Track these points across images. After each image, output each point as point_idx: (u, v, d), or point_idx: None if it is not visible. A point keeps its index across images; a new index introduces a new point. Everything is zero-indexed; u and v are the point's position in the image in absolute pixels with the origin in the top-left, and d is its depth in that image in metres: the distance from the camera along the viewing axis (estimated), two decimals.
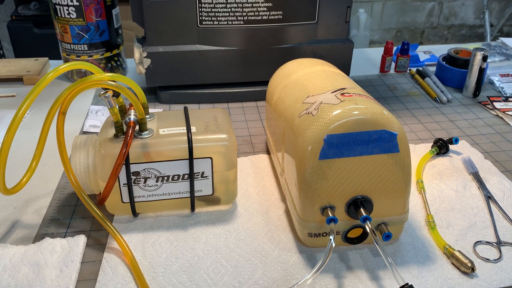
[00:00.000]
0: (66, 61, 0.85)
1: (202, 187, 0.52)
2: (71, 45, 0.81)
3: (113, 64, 0.85)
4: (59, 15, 0.79)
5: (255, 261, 0.47)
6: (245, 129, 0.73)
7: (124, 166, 0.49)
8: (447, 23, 3.03)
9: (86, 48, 0.81)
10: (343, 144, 0.44)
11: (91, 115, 0.75)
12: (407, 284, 0.40)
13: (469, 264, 0.45)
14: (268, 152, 0.67)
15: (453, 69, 0.85)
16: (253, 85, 0.81)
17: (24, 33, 1.96)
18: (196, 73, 0.78)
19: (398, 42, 3.04)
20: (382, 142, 0.44)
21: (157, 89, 0.80)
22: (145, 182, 0.50)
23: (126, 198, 0.51)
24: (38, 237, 0.50)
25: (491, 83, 0.86)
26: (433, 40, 3.09)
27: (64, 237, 0.49)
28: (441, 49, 1.03)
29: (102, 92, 0.48)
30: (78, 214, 0.53)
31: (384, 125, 0.44)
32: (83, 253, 0.47)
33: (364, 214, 0.44)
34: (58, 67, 0.47)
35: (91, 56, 0.82)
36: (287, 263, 0.47)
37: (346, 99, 0.46)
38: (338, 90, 0.49)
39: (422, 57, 0.97)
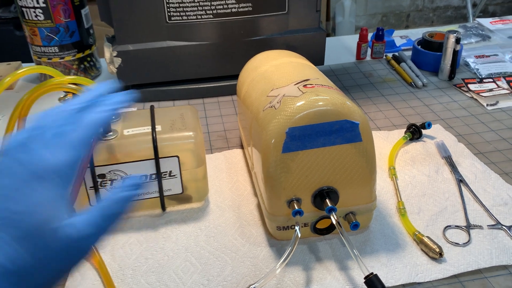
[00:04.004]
0: (37, 64, 0.84)
1: (171, 186, 0.51)
2: (41, 47, 0.80)
3: (86, 65, 0.84)
4: (27, 17, 0.78)
5: (224, 258, 0.47)
6: (220, 124, 0.73)
7: (89, 169, 0.48)
8: (432, 5, 3.02)
9: (57, 50, 0.80)
10: (306, 136, 0.44)
11: None
12: (371, 273, 0.40)
13: (437, 250, 0.45)
14: (242, 146, 0.66)
15: (428, 53, 0.85)
16: (228, 79, 0.81)
17: (5, 36, 1.94)
18: (169, 70, 0.77)
19: (384, 27, 3.03)
20: (344, 132, 0.44)
21: (131, 88, 0.79)
22: (111, 184, 0.50)
23: (94, 201, 0.50)
24: None
25: (467, 65, 0.86)
26: (419, 23, 3.08)
27: None
28: (418, 33, 1.02)
29: (61, 96, 0.48)
30: None
31: (346, 115, 0.44)
32: None
33: (329, 205, 0.44)
34: (15, 72, 0.47)
35: (62, 58, 0.81)
36: (257, 257, 0.47)
37: (308, 90, 0.46)
38: (301, 81, 0.49)
39: (399, 42, 0.96)
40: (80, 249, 0.30)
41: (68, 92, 0.48)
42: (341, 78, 0.85)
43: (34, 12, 0.77)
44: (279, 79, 0.52)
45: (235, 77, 0.81)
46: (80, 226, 0.30)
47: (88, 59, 0.85)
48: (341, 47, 0.96)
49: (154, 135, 0.49)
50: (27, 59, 0.89)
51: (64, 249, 0.29)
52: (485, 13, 3.08)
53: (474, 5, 2.63)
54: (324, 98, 0.44)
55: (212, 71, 0.79)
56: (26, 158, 0.30)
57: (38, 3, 0.76)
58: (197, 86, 0.80)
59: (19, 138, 0.32)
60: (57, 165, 0.31)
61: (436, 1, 3.00)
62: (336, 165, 0.45)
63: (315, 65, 0.81)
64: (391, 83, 0.82)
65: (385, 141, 0.65)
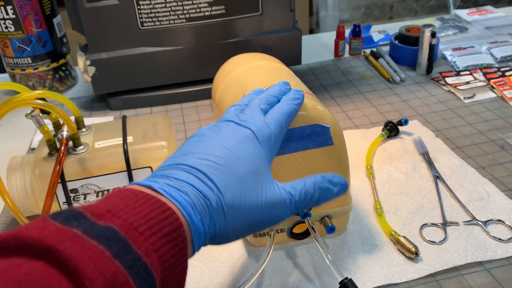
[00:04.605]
0: (11, 76, 0.82)
1: None
2: (14, 59, 0.79)
3: (61, 74, 0.83)
4: None
5: (202, 268, 0.46)
6: (198, 129, 0.72)
7: (60, 185, 0.47)
8: None
9: (30, 61, 0.79)
10: None
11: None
12: (346, 278, 0.40)
13: (413, 249, 0.45)
14: None
15: (405, 48, 0.84)
16: (205, 82, 0.80)
17: None
18: (144, 76, 0.76)
19: (368, 19, 3.03)
20: (315, 136, 0.44)
21: (106, 96, 0.78)
22: (85, 198, 0.49)
23: None
24: None
25: (444, 58, 0.86)
26: (403, 14, 3.08)
27: None
28: (396, 27, 1.02)
29: (28, 112, 0.47)
30: None
31: (316, 119, 0.44)
32: None
33: (303, 210, 0.44)
34: None
35: (36, 68, 0.80)
36: (234, 266, 0.46)
37: None
38: None
39: (376, 37, 0.96)
40: (281, 210, 0.34)
41: (36, 107, 0.47)
42: (319, 76, 0.84)
43: (4, 23, 0.75)
44: (250, 84, 0.51)
45: (212, 80, 0.80)
46: (288, 192, 0.34)
47: (63, 68, 0.83)
48: (319, 45, 0.96)
49: (126, 146, 0.49)
50: (2, 67, 0.88)
51: (267, 204, 0.33)
52: (468, 1, 3.09)
53: None
54: None
55: (189, 76, 0.79)
56: (248, 123, 0.36)
57: (7, 14, 0.74)
58: (174, 91, 0.79)
59: (236, 109, 0.40)
60: (269, 134, 0.36)
61: None
62: (309, 169, 0.44)
63: (292, 65, 0.81)
64: (369, 80, 0.82)
65: (363, 140, 0.65)
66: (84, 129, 0.52)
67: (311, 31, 2.55)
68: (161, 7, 0.71)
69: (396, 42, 0.86)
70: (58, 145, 0.48)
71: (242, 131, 0.36)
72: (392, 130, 0.64)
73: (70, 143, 0.49)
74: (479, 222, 0.49)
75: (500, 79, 0.76)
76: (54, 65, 0.81)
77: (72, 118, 0.50)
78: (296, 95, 0.41)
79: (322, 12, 2.70)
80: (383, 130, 0.65)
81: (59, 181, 0.47)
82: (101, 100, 0.80)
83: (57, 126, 0.51)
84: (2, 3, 0.73)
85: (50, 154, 0.48)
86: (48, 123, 0.50)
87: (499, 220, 0.49)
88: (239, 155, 0.34)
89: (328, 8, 2.71)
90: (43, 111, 0.48)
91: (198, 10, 0.73)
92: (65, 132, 0.48)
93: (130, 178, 0.49)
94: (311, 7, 2.64)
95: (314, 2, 2.67)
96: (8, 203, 0.48)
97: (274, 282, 0.44)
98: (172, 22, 0.73)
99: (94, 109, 0.79)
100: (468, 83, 0.76)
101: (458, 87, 0.75)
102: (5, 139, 0.73)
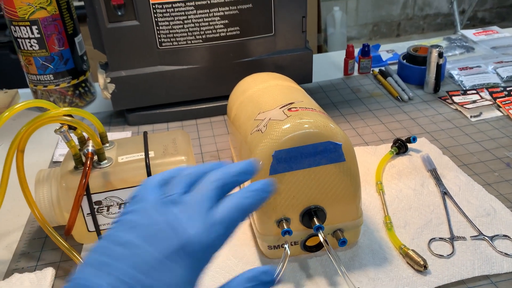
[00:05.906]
0: (34, 92, 0.86)
1: None
2: (37, 76, 0.82)
3: (81, 91, 0.87)
4: (22, 48, 0.80)
5: (218, 278, 0.48)
6: (212, 144, 0.75)
7: (85, 197, 0.50)
8: (422, 13, 3.07)
9: (52, 78, 0.83)
10: (291, 158, 0.46)
11: (61, 144, 0.76)
12: None
13: (422, 262, 0.47)
14: None
15: (413, 67, 0.87)
16: (220, 99, 0.83)
17: (1, 60, 1.96)
18: (162, 93, 0.80)
19: (375, 36, 3.07)
20: (328, 153, 0.46)
21: (125, 112, 0.81)
22: (108, 210, 0.52)
23: (91, 227, 0.52)
24: (9, 273, 0.51)
25: (452, 77, 0.89)
26: (410, 31, 3.13)
27: (34, 271, 0.50)
28: (404, 47, 1.05)
29: (57, 128, 0.50)
30: (48, 246, 0.55)
31: (329, 137, 0.46)
32: (52, 285, 0.49)
33: (316, 223, 0.46)
34: (13, 107, 0.49)
35: (57, 85, 0.83)
36: None
37: (292, 114, 0.48)
38: (286, 105, 0.51)
39: (385, 56, 0.99)
40: None
41: (63, 123, 0.50)
42: (329, 94, 0.87)
43: (29, 42, 0.79)
44: (265, 102, 0.54)
45: (226, 97, 0.83)
46: None
47: (83, 84, 0.87)
48: (329, 64, 0.99)
49: (148, 161, 0.51)
50: (23, 82, 0.91)
51: None
52: (474, 19, 3.13)
53: (463, 11, 2.67)
54: (308, 121, 0.46)
55: (204, 93, 0.82)
56: (184, 221, 0.27)
57: (32, 33, 0.78)
58: (189, 108, 0.82)
59: (180, 183, 0.30)
60: (208, 244, 0.28)
61: (426, 9, 3.04)
62: (322, 184, 0.47)
63: (303, 83, 0.84)
64: (378, 98, 0.84)
65: (372, 156, 0.67)
66: (107, 144, 0.55)
67: (319, 48, 2.59)
68: (179, 28, 0.74)
69: (404, 61, 0.89)
70: (83, 159, 0.51)
71: (170, 238, 0.27)
72: (401, 147, 0.66)
73: (95, 157, 0.51)
74: (486, 237, 0.50)
75: (506, 98, 0.79)
76: (75, 81, 0.85)
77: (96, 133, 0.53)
78: (265, 185, 0.31)
79: (330, 29, 2.75)
80: (392, 147, 0.67)
81: (85, 193, 0.50)
82: (119, 115, 0.84)
83: (82, 141, 0.54)
84: (28, 23, 0.77)
85: (76, 168, 0.51)
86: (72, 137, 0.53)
87: (505, 236, 0.51)
88: (155, 280, 0.26)
89: (336, 26, 2.76)
90: (70, 127, 0.51)
91: (214, 31, 0.76)
92: (90, 147, 0.51)
93: None
94: (319, 25, 2.69)
95: (322, 20, 2.72)
96: (36, 214, 0.50)
97: None
98: (189, 42, 0.76)
99: (113, 124, 0.82)
100: (474, 102, 0.78)
101: (465, 106, 0.77)
102: (28, 152, 0.75)
